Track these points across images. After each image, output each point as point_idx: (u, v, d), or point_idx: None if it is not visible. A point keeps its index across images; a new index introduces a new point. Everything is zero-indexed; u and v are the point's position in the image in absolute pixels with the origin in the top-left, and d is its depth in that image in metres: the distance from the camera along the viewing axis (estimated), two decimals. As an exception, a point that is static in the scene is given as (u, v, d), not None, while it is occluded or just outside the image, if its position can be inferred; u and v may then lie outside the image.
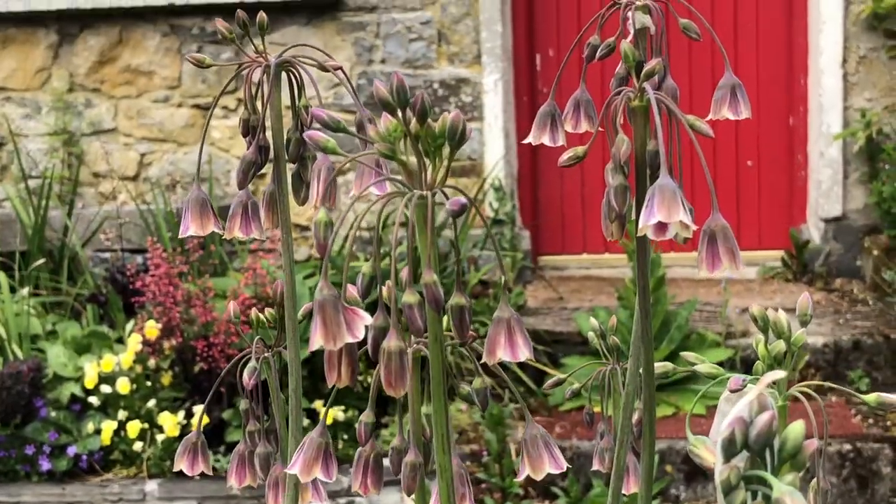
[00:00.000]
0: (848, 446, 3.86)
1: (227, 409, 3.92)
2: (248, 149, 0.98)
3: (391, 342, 0.68)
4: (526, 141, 0.89)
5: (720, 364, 4.38)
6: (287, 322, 0.97)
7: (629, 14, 0.88)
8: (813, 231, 5.13)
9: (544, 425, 4.19)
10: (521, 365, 4.31)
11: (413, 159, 0.71)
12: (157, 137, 5.35)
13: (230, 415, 3.91)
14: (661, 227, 0.64)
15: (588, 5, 5.29)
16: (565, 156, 0.76)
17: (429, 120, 0.70)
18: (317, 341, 0.67)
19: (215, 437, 3.92)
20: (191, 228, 0.96)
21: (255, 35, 1.00)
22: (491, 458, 3.80)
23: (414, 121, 0.69)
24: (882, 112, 4.94)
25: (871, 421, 4.04)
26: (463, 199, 0.65)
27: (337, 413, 3.92)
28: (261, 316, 1.02)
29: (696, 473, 3.92)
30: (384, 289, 0.73)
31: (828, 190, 5.03)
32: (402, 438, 0.86)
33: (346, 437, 3.93)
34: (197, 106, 5.32)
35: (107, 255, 4.89)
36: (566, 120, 0.91)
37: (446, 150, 0.70)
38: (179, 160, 5.34)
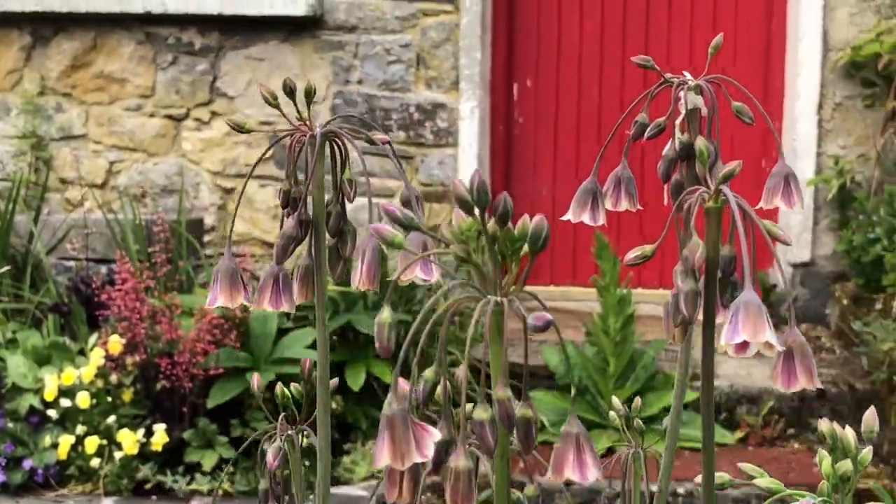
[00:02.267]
0: (810, 497, 3.86)
1: (188, 429, 3.86)
2: (286, 219, 0.94)
3: (459, 461, 0.65)
4: (564, 218, 0.86)
5: (685, 406, 4.37)
6: (318, 406, 0.92)
7: (681, 94, 0.86)
8: (780, 276, 5.14)
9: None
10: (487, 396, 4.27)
11: (484, 260, 0.67)
12: (127, 146, 5.29)
13: (190, 435, 3.85)
14: (743, 343, 0.62)
15: (568, 37, 5.29)
16: (632, 254, 0.73)
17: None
18: (383, 459, 0.63)
19: (174, 457, 3.86)
20: (219, 300, 0.92)
21: (301, 102, 0.96)
22: (454, 492, 3.76)
23: (492, 221, 0.66)
24: (855, 160, 4.96)
25: (833, 470, 4.04)
26: (548, 316, 0.62)
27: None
28: (286, 391, 0.98)
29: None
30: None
31: (798, 235, 5.04)
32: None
33: (307, 463, 3.88)
34: (169, 116, 5.26)
35: (71, 263, 4.81)
36: (606, 197, 0.89)
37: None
38: (149, 170, 5.27)
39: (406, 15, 5.12)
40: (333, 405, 3.98)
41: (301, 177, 0.97)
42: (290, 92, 0.95)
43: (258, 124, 5.23)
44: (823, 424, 0.69)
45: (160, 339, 3.86)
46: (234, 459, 3.84)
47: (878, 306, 4.47)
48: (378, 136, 0.95)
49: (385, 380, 4.04)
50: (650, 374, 4.35)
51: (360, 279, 0.87)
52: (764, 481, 0.71)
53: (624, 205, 0.86)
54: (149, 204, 5.17)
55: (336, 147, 0.96)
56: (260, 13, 5.07)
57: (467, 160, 5.11)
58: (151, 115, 5.27)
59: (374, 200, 4.19)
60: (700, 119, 0.85)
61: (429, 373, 0.67)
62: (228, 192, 5.27)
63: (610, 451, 4.07)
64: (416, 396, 0.69)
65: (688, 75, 0.88)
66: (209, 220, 5.27)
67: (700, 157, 0.73)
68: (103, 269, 4.69)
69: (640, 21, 5.28)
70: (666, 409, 4.31)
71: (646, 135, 0.87)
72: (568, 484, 3.51)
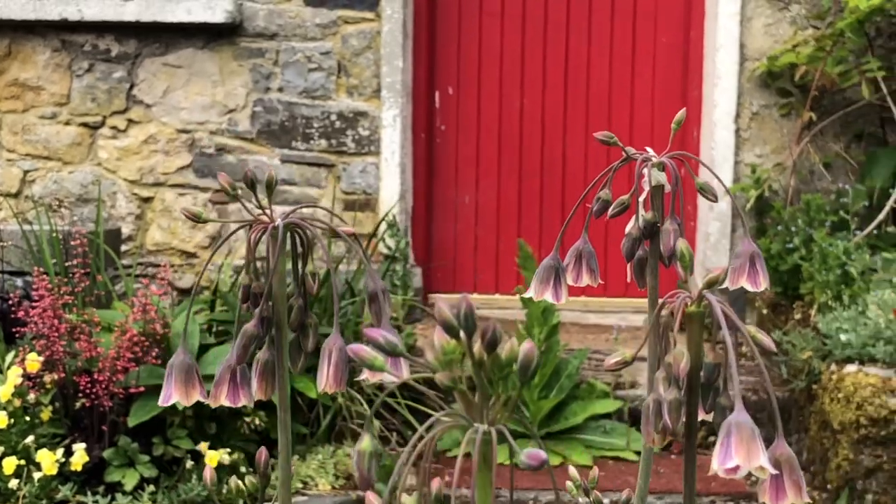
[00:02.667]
0: (732, 505, 3.91)
1: (109, 448, 3.79)
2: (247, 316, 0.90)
3: None
4: (527, 296, 0.85)
5: (608, 416, 4.40)
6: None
7: (644, 171, 0.85)
8: (700, 282, 5.19)
9: (433, 473, 4.15)
10: (411, 409, 4.27)
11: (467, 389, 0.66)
12: (41, 154, 5.19)
13: (111, 454, 3.79)
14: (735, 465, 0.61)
15: (489, 45, 5.29)
16: (612, 360, 0.72)
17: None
18: None
19: (94, 476, 3.79)
20: (174, 397, 0.89)
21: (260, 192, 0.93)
22: (381, 508, 3.74)
23: (478, 346, 0.64)
24: (772, 169, 5.03)
25: (754, 479, 4.10)
26: (542, 456, 0.61)
27: (222, 456, 3.82)
28: (240, 484, 0.95)
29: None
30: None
31: (716, 243, 5.10)
32: None
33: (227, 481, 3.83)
34: (85, 124, 5.17)
35: (-15, 276, 4.71)
36: (567, 271, 0.88)
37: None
38: (64, 179, 5.18)
39: (327, 22, 5.08)
40: (256, 420, 3.94)
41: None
42: (250, 184, 0.92)
43: (175, 132, 5.17)
44: None
45: (79, 357, 3.79)
46: (156, 478, 3.78)
47: (797, 315, 4.54)
48: (343, 228, 0.92)
49: (309, 394, 4.00)
50: (574, 384, 4.37)
51: (326, 381, 0.85)
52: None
53: (585, 280, 0.85)
54: (65, 214, 5.08)
55: (298, 237, 0.93)
56: (178, 20, 5.00)
57: (390, 168, 5.09)
58: (67, 123, 5.17)
59: (299, 207, 4.09)
60: (663, 195, 0.84)
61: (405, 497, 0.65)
62: (146, 200, 5.20)
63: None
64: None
65: (651, 151, 0.87)
66: (126, 230, 5.19)
67: (682, 260, 0.72)
68: (19, 281, 4.59)
69: (561, 27, 5.30)
70: (591, 418, 4.34)
71: (609, 212, 0.87)
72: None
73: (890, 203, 4.60)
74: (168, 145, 5.16)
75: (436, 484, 0.67)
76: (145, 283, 4.21)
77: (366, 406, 4.16)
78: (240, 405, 0.90)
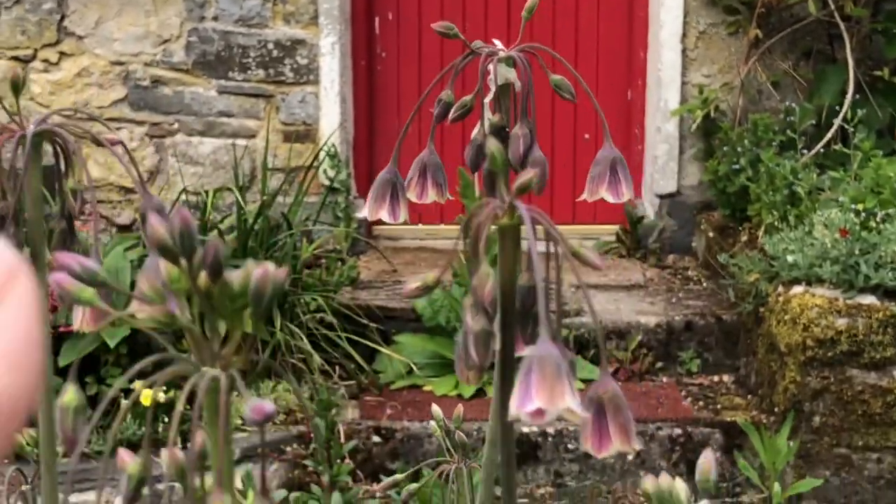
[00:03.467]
0: (678, 430, 3.86)
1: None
2: None
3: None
4: (360, 216, 0.75)
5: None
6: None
7: (490, 67, 0.75)
8: (648, 207, 5.12)
9: (375, 405, 4.09)
10: (352, 342, 4.19)
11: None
12: (-31, 90, 5.03)
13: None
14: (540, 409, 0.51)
15: (429, -32, 5.15)
16: (412, 286, 0.62)
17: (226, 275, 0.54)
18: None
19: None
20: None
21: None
22: (319, 444, 3.68)
23: (204, 275, 0.53)
24: (720, 89, 4.93)
25: (701, 404, 4.05)
26: (268, 409, 0.51)
27: (158, 394, 3.73)
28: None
29: (527, 457, 3.86)
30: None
31: (663, 165, 5.01)
32: None
33: (166, 419, 3.75)
34: (16, 58, 5.01)
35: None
36: (410, 187, 0.77)
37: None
38: (-6, 115, 5.02)
39: (260, -53, 4.92)
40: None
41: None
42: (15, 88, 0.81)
43: (109, 64, 5.02)
44: (648, 484, 0.58)
45: (6, 297, 3.68)
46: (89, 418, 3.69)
47: (744, 237, 4.47)
48: (108, 136, 0.81)
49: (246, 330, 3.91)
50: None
51: (83, 320, 0.76)
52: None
53: (431, 196, 0.75)
54: (-6, 152, 4.92)
55: (59, 148, 0.82)
56: (106, -53, 4.83)
57: (329, 98, 4.96)
58: (-5, 58, 5.01)
59: (234, 142, 4.03)
60: (514, 95, 0.74)
61: (133, 468, 0.55)
62: (80, 137, 5.04)
63: (480, 392, 4.01)
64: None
65: (498, 44, 0.77)
66: (63, 166, 5.04)
67: (492, 163, 0.62)
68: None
69: (503, -50, 5.16)
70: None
71: (450, 116, 0.77)
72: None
73: (838, 121, 4.52)
74: (102, 78, 5.01)
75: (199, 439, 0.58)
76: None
77: (305, 340, 4.07)
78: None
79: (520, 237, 0.59)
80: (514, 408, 0.49)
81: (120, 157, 0.74)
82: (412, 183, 0.75)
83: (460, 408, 0.89)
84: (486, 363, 0.58)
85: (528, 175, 0.57)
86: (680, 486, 0.61)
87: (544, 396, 0.48)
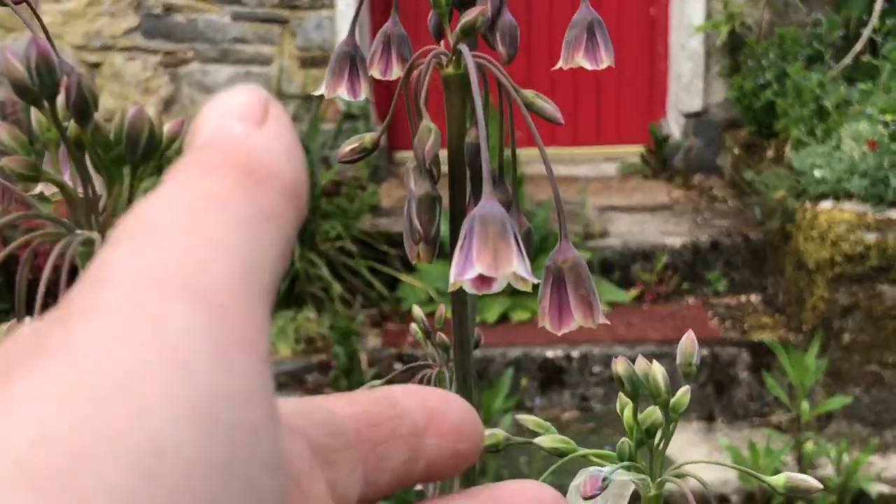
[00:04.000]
0: (705, 351, 3.78)
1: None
2: None
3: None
4: (317, 93, 0.67)
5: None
6: None
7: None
8: (673, 126, 5.01)
9: (397, 333, 4.03)
10: (373, 270, 4.13)
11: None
12: (-19, 23, 4.96)
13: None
14: (486, 277, 0.44)
15: None
16: (348, 147, 0.55)
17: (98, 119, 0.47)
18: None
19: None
20: None
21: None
22: (339, 372, 3.63)
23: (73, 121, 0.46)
24: (745, 3, 4.80)
25: (728, 324, 3.98)
26: None
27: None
28: None
29: (551, 381, 3.81)
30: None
31: (688, 83, 4.90)
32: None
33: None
34: (25, -11, 4.93)
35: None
36: (372, 64, 0.68)
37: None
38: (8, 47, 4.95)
39: None
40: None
41: None
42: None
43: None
44: (619, 367, 0.51)
45: (18, 228, 3.64)
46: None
47: (770, 154, 4.37)
48: None
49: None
50: (542, 236, 4.22)
51: None
52: (547, 440, 0.54)
53: (396, 71, 0.67)
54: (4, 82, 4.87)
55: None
56: None
57: (345, 21, 4.86)
58: (5, -11, 4.93)
59: (249, 69, 3.95)
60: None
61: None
62: (95, 66, 4.98)
63: (504, 318, 3.96)
64: None
65: None
66: (76, 99, 4.98)
67: (435, 5, 0.54)
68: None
69: None
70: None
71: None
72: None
73: (866, 32, 4.39)
74: (113, 6, 4.93)
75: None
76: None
77: (325, 269, 4.01)
78: None
79: (465, 89, 0.52)
80: (454, 275, 0.42)
81: (22, 15, 0.66)
82: (375, 57, 0.66)
83: (442, 308, 0.82)
84: (433, 233, 0.51)
85: (472, 14, 0.50)
86: (658, 370, 0.54)
87: (486, 260, 0.41)
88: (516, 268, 0.41)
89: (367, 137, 0.55)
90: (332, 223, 4.15)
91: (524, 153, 4.68)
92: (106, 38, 4.95)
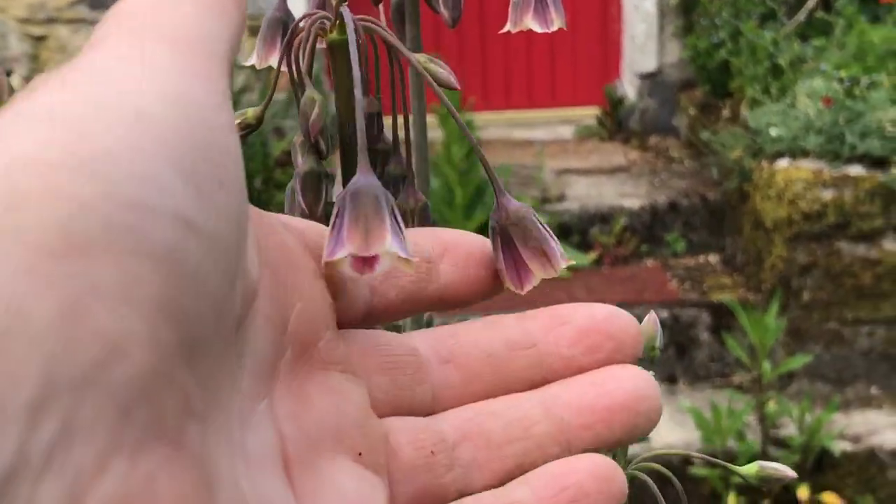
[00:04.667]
0: (665, 313, 3.76)
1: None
2: None
3: None
4: (248, 63, 0.62)
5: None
6: None
7: None
8: (628, 87, 4.97)
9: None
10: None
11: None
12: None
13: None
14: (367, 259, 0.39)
15: None
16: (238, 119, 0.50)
17: None
18: None
19: None
20: None
21: None
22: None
23: None
24: (697, -38, 4.76)
25: (687, 285, 3.95)
26: None
27: None
28: None
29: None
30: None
31: (643, 44, 4.86)
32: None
33: None
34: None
35: None
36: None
37: None
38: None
39: None
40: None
41: None
42: None
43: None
44: None
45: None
46: None
47: (726, 113, 4.34)
48: None
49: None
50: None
51: None
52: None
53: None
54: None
55: None
56: None
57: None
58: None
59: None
60: None
61: None
62: (40, 39, 4.88)
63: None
64: None
65: None
66: (20, 72, 4.89)
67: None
68: None
69: None
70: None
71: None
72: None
73: (820, -12, 4.37)
74: (57, -20, 4.84)
75: None
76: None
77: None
78: None
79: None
80: (325, 255, 0.37)
81: None
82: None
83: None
84: (318, 212, 0.47)
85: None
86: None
87: (357, 239, 0.36)
88: (389, 246, 0.37)
89: (250, 112, 0.51)
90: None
91: (480, 118, 4.63)
92: (50, 10, 4.85)
